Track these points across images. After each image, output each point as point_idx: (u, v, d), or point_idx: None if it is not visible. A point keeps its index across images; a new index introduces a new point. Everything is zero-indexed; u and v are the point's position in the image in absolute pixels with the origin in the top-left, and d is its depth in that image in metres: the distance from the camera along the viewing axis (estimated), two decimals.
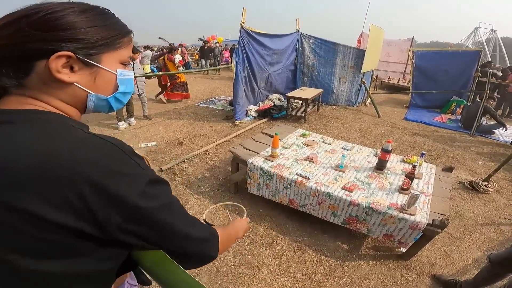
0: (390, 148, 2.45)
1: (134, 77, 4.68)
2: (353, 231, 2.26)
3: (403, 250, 2.16)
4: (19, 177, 0.43)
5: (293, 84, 7.20)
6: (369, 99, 7.00)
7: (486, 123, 5.48)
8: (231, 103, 5.87)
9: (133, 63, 4.76)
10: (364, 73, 6.58)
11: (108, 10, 0.58)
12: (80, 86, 0.54)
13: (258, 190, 2.69)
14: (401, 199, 2.12)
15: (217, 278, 1.99)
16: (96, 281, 0.56)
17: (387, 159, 2.52)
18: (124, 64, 0.61)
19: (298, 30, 6.75)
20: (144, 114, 5.46)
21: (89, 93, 0.55)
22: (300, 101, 6.07)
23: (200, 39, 12.26)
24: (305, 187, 2.31)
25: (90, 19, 0.52)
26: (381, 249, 2.31)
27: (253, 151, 2.92)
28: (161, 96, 6.89)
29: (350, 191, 2.21)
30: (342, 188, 2.25)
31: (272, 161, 2.66)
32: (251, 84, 5.70)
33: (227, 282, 1.97)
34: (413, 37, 10.94)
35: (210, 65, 12.23)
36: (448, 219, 1.84)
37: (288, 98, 5.68)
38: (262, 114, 5.75)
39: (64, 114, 0.54)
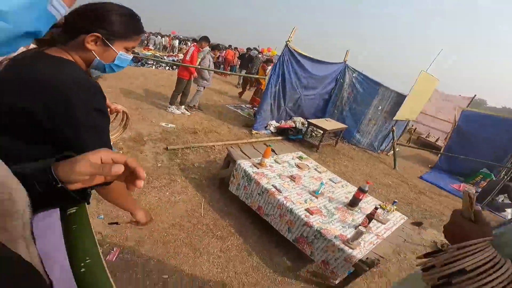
0: (366, 189, 2.56)
1: (207, 69, 5.57)
2: (303, 253, 2.37)
3: (336, 282, 2.23)
4: (26, 84, 0.73)
5: (321, 113, 7.27)
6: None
7: (503, 200, 5.11)
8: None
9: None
10: (396, 120, 6.39)
11: (138, 17, 0.92)
12: (94, 53, 0.86)
13: (237, 190, 2.89)
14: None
15: (159, 249, 2.18)
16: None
17: (360, 198, 2.62)
18: (127, 50, 0.93)
19: (345, 62, 6.81)
20: (191, 104, 5.98)
21: (96, 58, 0.88)
22: (321, 131, 6.18)
23: (248, 48, 12.03)
24: (274, 198, 2.47)
25: (123, 20, 0.86)
26: (318, 275, 2.40)
27: (247, 156, 3.15)
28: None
29: (311, 213, 2.35)
30: (305, 209, 2.39)
31: (258, 168, 2.88)
32: (279, 101, 5.95)
33: (166, 255, 2.15)
34: (474, 95, 9.54)
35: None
36: (379, 260, 1.91)
37: (309, 124, 5.82)
38: (280, 132, 5.96)
39: (77, 63, 0.86)
